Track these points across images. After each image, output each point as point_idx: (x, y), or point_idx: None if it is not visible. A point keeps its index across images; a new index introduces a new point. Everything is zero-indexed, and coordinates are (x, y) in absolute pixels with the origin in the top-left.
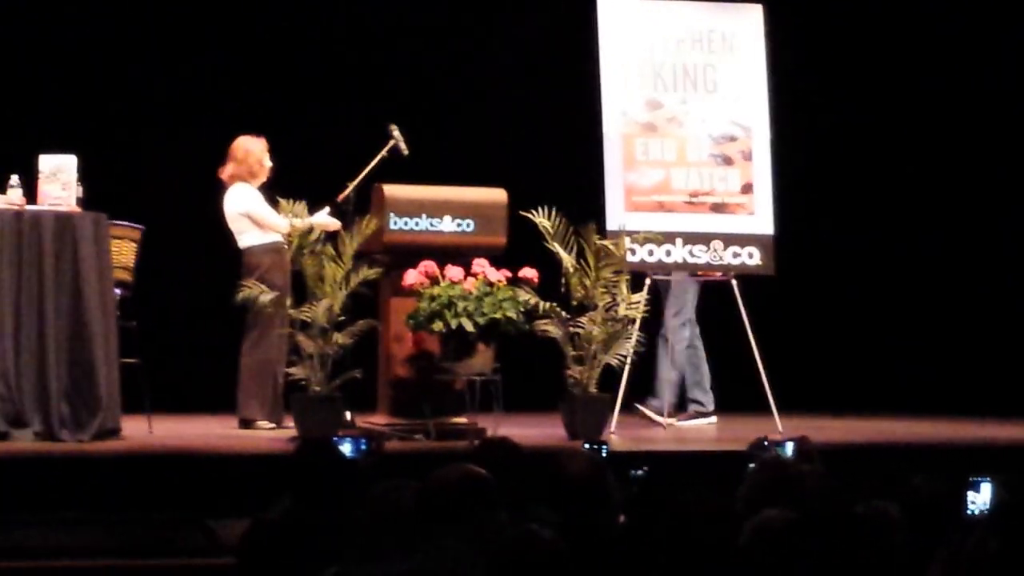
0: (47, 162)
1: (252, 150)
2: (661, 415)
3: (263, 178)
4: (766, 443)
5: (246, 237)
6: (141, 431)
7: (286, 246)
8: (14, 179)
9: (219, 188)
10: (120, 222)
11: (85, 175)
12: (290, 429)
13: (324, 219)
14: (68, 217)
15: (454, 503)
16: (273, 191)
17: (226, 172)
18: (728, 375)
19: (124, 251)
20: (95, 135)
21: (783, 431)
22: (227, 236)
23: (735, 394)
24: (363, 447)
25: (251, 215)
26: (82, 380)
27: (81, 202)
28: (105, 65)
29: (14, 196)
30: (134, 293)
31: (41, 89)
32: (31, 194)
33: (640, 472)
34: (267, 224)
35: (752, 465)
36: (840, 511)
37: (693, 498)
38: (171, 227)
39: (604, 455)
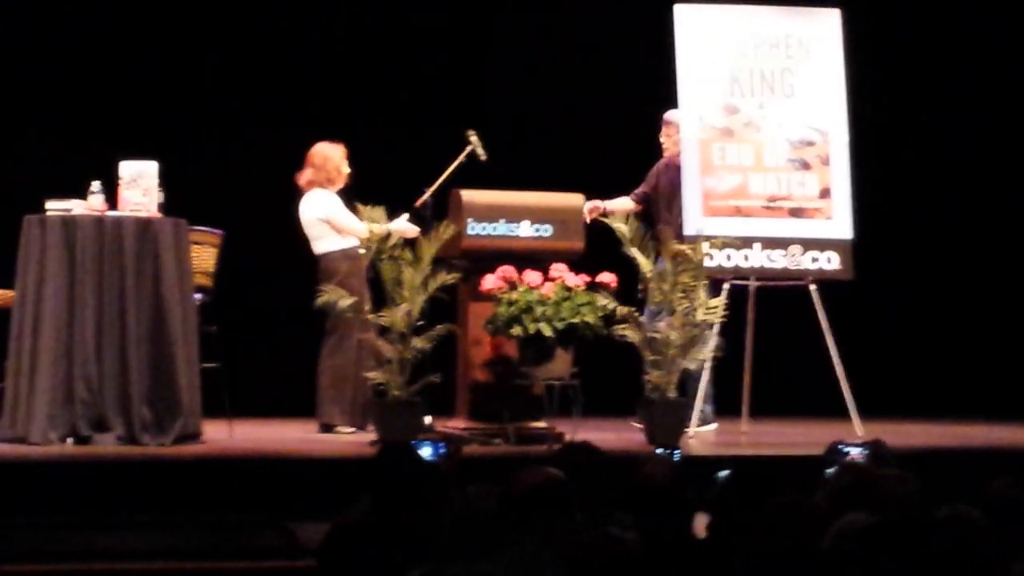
0: (128, 168)
1: (331, 156)
2: None
3: (341, 184)
4: (841, 447)
5: (323, 243)
6: (222, 435)
7: (362, 251)
8: (95, 185)
9: (296, 194)
10: (200, 227)
11: (165, 181)
12: (370, 433)
13: (403, 225)
14: (149, 222)
15: (534, 506)
16: (351, 197)
17: (304, 178)
18: (806, 379)
19: (204, 256)
20: (175, 141)
21: (862, 435)
22: (304, 241)
23: (814, 399)
24: (441, 451)
25: (331, 220)
26: (163, 384)
27: (162, 208)
28: (185, 71)
29: (95, 202)
30: (214, 298)
31: (121, 96)
32: (112, 200)
33: (725, 473)
34: (347, 229)
35: (830, 469)
36: (921, 515)
37: (778, 501)
38: (250, 232)
39: (677, 459)
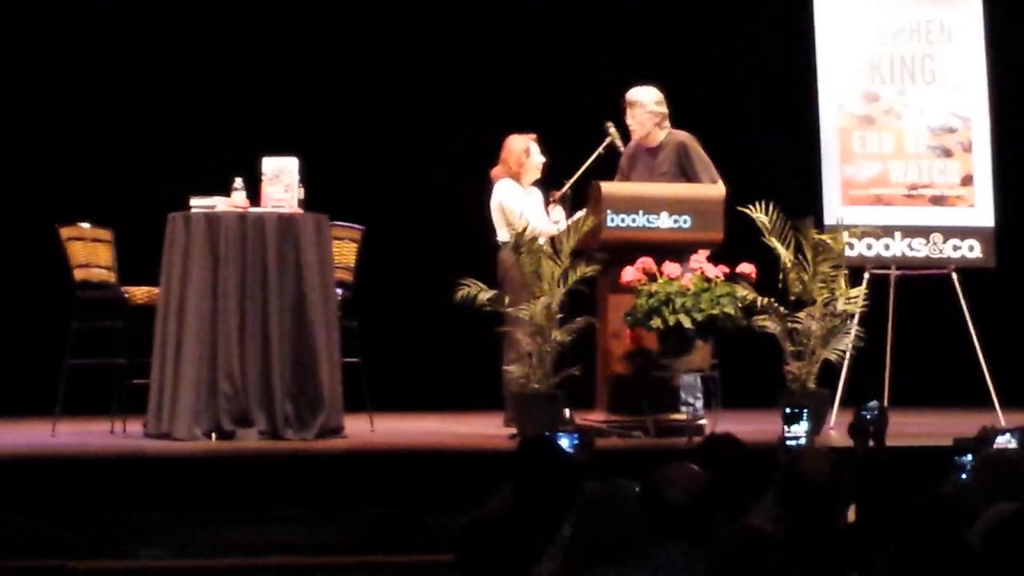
0: (270, 164)
1: (512, 148)
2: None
3: (529, 174)
4: (991, 434)
5: (499, 232)
6: (363, 429)
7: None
8: (238, 182)
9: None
10: (341, 223)
11: (307, 177)
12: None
13: (547, 225)
14: (290, 218)
15: (680, 507)
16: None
17: (495, 170)
18: (948, 369)
19: (345, 251)
20: (317, 137)
21: (1005, 425)
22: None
23: (955, 388)
24: (575, 442)
25: (501, 206)
26: (305, 380)
27: (303, 203)
28: (327, 68)
29: (238, 198)
30: (355, 293)
31: (264, 92)
32: (254, 196)
33: (872, 405)
34: (507, 218)
35: (963, 458)
36: None
37: (926, 492)
38: (391, 227)
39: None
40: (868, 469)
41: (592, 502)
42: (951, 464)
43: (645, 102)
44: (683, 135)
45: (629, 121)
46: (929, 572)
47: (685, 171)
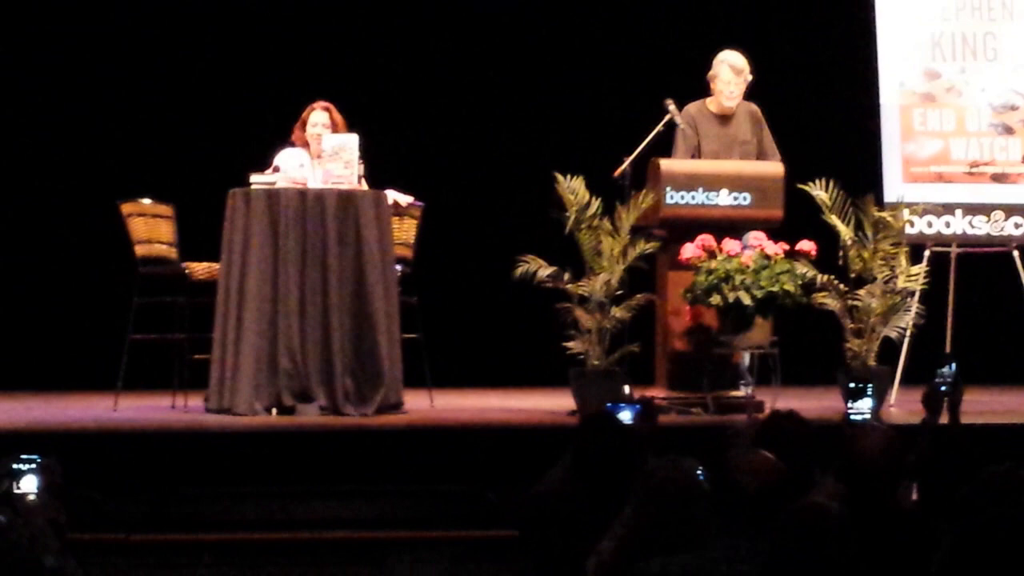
0: (330, 141)
1: None
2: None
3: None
4: None
5: None
6: (423, 405)
7: None
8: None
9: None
10: None
11: (367, 153)
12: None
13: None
14: (350, 195)
15: (750, 493)
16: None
17: None
18: (1009, 347)
19: (405, 228)
20: (377, 113)
21: None
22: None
23: (1016, 366)
24: (637, 410)
25: None
26: (365, 355)
27: (363, 180)
28: (390, 45)
29: (298, 175)
30: (415, 269)
31: (326, 69)
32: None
33: (950, 367)
34: None
35: None
36: None
37: (990, 471)
38: (451, 203)
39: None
40: (938, 444)
41: (654, 482)
42: None
43: (748, 69)
44: (752, 104)
45: (730, 88)
46: (991, 553)
47: (759, 141)
